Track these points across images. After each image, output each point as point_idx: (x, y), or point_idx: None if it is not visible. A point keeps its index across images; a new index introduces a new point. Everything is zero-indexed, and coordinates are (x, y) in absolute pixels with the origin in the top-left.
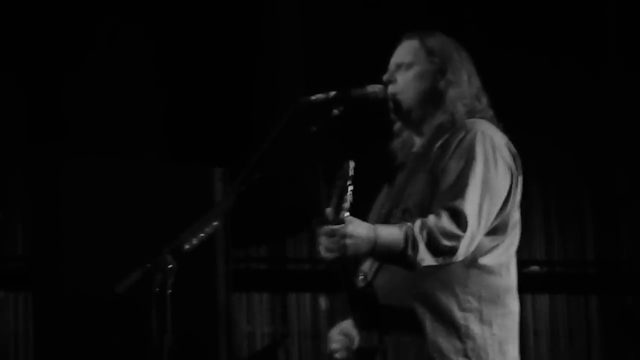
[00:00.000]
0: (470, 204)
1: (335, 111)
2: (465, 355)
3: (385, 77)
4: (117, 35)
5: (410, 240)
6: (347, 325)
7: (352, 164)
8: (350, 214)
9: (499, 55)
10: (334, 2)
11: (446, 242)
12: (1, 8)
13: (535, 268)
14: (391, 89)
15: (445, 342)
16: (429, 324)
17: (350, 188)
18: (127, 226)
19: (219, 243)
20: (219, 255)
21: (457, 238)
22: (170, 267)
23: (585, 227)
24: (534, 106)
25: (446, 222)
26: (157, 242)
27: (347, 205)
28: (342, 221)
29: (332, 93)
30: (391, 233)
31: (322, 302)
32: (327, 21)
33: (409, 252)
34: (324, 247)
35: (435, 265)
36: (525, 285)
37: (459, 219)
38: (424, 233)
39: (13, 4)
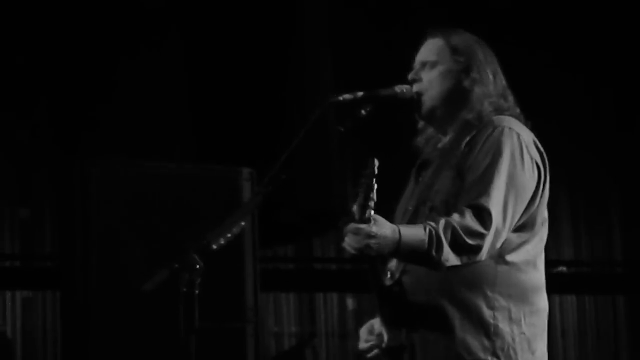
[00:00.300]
0: (494, 201)
1: (363, 111)
2: (494, 353)
3: (410, 76)
4: (144, 35)
5: (434, 241)
6: (376, 323)
7: (376, 162)
8: (375, 212)
9: (522, 53)
10: (362, 3)
11: (470, 241)
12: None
13: (562, 268)
14: (416, 87)
15: (473, 340)
16: (458, 322)
17: (375, 186)
18: (155, 226)
19: (246, 243)
20: (246, 255)
21: (481, 236)
22: (198, 267)
23: (613, 227)
24: (562, 105)
25: (470, 220)
26: (185, 242)
27: (372, 203)
28: (368, 220)
29: (360, 93)
30: (415, 234)
31: (349, 302)
32: (355, 20)
33: (433, 253)
34: (348, 244)
35: (460, 265)
36: (553, 285)
37: (483, 216)
38: (448, 233)
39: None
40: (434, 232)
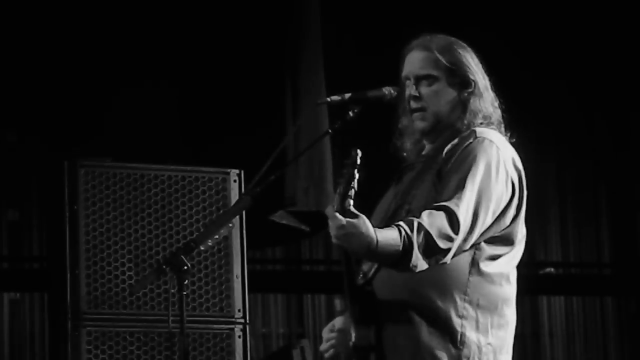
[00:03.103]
0: (464, 207)
1: (351, 113)
2: None
3: (407, 92)
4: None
5: (406, 247)
6: (338, 322)
7: (359, 152)
8: (354, 202)
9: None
10: (354, 7)
11: (441, 244)
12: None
13: (550, 270)
14: (416, 104)
15: (439, 347)
16: (425, 328)
17: (357, 176)
18: (143, 227)
19: (234, 244)
20: (234, 256)
21: (452, 240)
22: (186, 269)
23: (601, 228)
24: (551, 110)
25: (442, 223)
26: (173, 243)
27: (352, 192)
28: (347, 210)
29: (348, 95)
30: (390, 242)
31: (338, 303)
32: (346, 23)
33: (403, 259)
34: (331, 231)
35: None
36: (541, 286)
37: (452, 220)
38: (421, 236)
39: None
40: (406, 239)
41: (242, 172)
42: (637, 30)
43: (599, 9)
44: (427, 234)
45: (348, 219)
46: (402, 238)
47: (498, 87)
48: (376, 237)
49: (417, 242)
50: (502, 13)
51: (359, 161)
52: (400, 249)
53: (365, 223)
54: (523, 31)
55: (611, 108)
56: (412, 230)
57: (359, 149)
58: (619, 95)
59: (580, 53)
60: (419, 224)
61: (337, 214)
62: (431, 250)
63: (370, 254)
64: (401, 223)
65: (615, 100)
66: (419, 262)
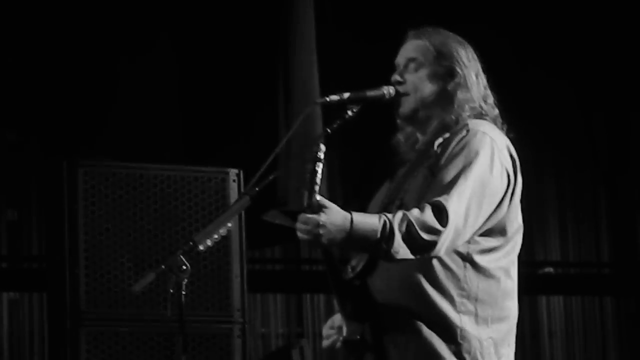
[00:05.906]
0: (455, 201)
1: (350, 112)
2: (460, 357)
3: (393, 78)
4: (134, 39)
5: (387, 232)
6: (336, 318)
7: (322, 147)
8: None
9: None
10: (348, 5)
11: (425, 236)
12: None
13: (550, 269)
14: (400, 89)
15: (440, 344)
16: (424, 325)
17: (320, 170)
18: (143, 227)
19: (233, 244)
20: (234, 256)
21: (437, 233)
22: (185, 269)
23: (600, 228)
24: (550, 109)
25: (428, 216)
26: (172, 243)
27: (317, 187)
28: (316, 205)
29: (347, 94)
30: (368, 223)
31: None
32: (341, 23)
33: (384, 243)
34: (300, 231)
35: (413, 258)
36: (540, 286)
37: (441, 214)
38: (403, 225)
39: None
40: (387, 223)
41: (241, 171)
42: (637, 31)
43: (599, 9)
44: (410, 224)
45: (323, 216)
46: (382, 221)
47: (497, 87)
48: (351, 215)
49: (399, 229)
50: (502, 13)
51: (321, 156)
52: (379, 231)
53: (336, 209)
54: (523, 32)
55: (611, 108)
56: (394, 217)
57: (321, 144)
58: (619, 94)
59: (579, 52)
60: (404, 213)
61: (310, 215)
62: (414, 240)
63: (347, 236)
64: (383, 213)
65: (615, 99)
66: (401, 250)
